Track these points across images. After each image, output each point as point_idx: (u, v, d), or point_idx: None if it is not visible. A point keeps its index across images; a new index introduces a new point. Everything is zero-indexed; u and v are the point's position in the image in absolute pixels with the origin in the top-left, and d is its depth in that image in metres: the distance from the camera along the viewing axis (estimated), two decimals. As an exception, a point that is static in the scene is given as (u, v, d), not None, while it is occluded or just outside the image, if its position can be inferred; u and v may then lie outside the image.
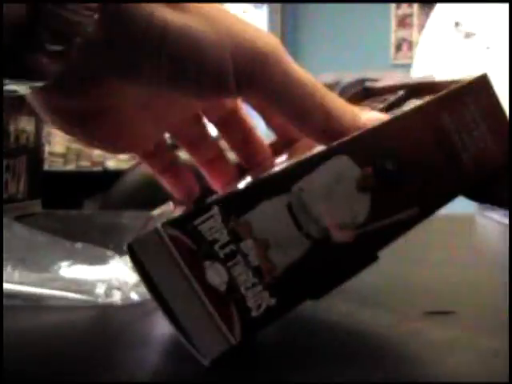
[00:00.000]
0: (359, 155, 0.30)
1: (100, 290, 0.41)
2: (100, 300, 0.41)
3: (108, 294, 0.41)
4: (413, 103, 0.36)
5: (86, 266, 0.44)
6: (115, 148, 0.36)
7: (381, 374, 0.30)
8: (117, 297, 0.41)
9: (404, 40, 4.69)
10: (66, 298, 0.41)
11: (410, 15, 4.64)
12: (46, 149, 2.43)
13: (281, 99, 0.31)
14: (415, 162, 0.31)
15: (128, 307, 0.41)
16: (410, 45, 4.71)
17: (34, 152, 0.86)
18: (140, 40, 0.28)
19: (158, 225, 0.29)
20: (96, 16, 0.27)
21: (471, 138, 0.32)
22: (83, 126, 0.33)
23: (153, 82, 0.30)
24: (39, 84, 0.28)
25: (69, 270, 0.44)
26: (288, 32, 4.62)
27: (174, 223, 0.29)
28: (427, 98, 0.33)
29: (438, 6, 1.08)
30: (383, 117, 0.32)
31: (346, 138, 0.31)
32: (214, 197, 0.32)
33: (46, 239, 0.49)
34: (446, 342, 0.34)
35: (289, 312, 0.30)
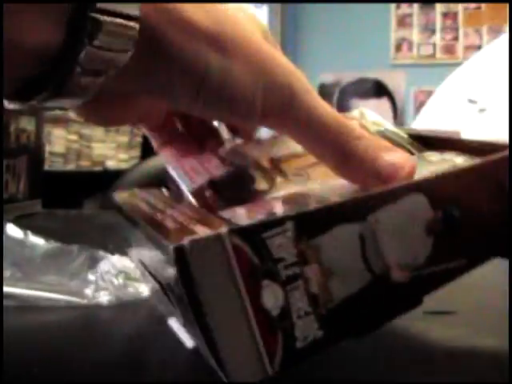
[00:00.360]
0: (435, 197, 0.30)
1: (88, 290, 0.42)
2: (87, 301, 0.41)
3: (96, 294, 0.42)
4: (439, 156, 0.36)
5: (76, 266, 0.45)
6: (119, 122, 0.37)
7: (380, 374, 0.30)
8: (104, 298, 0.41)
9: (404, 40, 4.69)
10: (54, 299, 0.41)
11: (410, 15, 4.64)
12: (46, 148, 2.43)
13: (304, 135, 0.31)
14: (475, 212, 0.31)
15: (115, 308, 0.41)
16: (410, 45, 4.71)
17: (35, 152, 0.86)
18: (181, 76, 0.29)
19: (223, 230, 0.26)
20: (130, 53, 0.27)
21: None
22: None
23: (187, 108, 0.31)
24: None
25: (58, 271, 0.44)
26: (288, 32, 4.62)
27: (241, 232, 0.26)
28: (492, 156, 0.32)
29: (451, 80, 1.09)
30: (410, 157, 0.32)
31: (426, 177, 0.30)
32: (285, 210, 0.30)
33: (39, 240, 0.49)
34: (446, 341, 0.34)
35: (331, 347, 0.28)
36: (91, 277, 0.43)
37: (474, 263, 0.31)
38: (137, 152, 3.02)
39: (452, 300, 0.44)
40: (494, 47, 1.01)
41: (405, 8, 4.60)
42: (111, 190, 1.20)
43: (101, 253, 0.46)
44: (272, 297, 0.26)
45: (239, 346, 0.26)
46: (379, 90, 4.49)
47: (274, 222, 0.26)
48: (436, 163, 0.36)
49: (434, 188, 0.30)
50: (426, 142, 0.39)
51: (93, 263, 0.44)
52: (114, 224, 0.39)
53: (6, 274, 0.43)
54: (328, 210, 0.28)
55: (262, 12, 4.92)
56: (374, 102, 4.53)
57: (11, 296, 0.41)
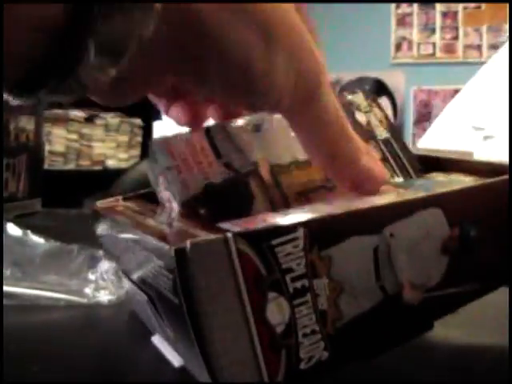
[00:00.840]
0: (452, 213, 0.28)
1: (88, 290, 0.42)
2: (87, 300, 0.41)
3: (95, 294, 0.42)
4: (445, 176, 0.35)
5: (76, 266, 0.45)
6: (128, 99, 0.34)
7: (380, 373, 0.30)
8: (104, 297, 0.41)
9: (404, 39, 4.69)
10: (54, 298, 0.41)
11: (410, 14, 4.64)
12: (46, 148, 2.43)
13: (309, 127, 0.30)
14: (492, 234, 0.29)
15: (115, 307, 0.41)
16: (410, 44, 4.70)
17: (34, 151, 0.86)
18: (220, 63, 0.26)
19: (229, 234, 0.23)
20: (152, 26, 0.23)
21: None
22: None
23: (212, 87, 0.28)
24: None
25: (58, 270, 0.44)
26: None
27: (248, 236, 0.23)
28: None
29: (454, 105, 1.08)
30: (381, 167, 0.31)
31: (445, 191, 0.29)
32: (296, 216, 0.27)
33: (39, 240, 0.49)
34: (446, 341, 0.34)
35: (336, 369, 0.26)
36: (91, 276, 0.43)
37: (486, 289, 0.30)
38: (137, 151, 3.02)
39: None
40: (494, 65, 1.00)
41: (405, 7, 4.60)
42: (111, 190, 1.20)
43: (101, 252, 0.46)
44: (278, 311, 0.24)
45: (237, 364, 0.24)
46: (379, 89, 4.48)
47: (284, 229, 0.24)
48: (446, 184, 0.34)
49: (453, 203, 0.28)
50: (430, 163, 0.38)
51: (93, 263, 0.44)
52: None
53: (6, 273, 0.43)
54: (343, 218, 0.26)
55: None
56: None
57: (11, 295, 0.41)
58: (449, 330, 0.36)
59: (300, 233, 0.24)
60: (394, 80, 4.68)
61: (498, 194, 0.30)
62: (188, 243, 0.22)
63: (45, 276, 0.43)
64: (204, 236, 0.23)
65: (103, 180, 1.58)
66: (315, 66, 0.29)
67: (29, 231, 0.50)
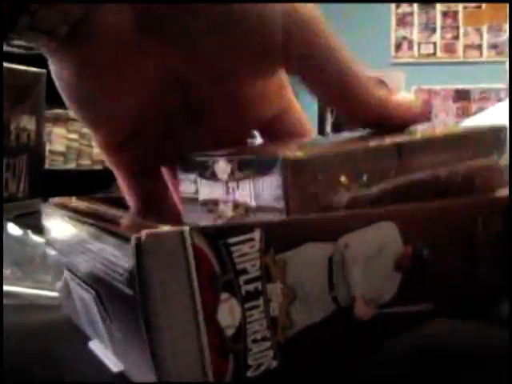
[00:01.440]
0: (407, 230, 0.27)
1: None
2: None
3: None
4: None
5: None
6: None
7: (380, 373, 0.30)
8: None
9: (404, 39, 4.69)
10: (55, 298, 0.41)
11: (410, 14, 4.64)
12: (47, 147, 2.43)
13: (319, 71, 0.31)
14: (445, 258, 0.29)
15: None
16: (410, 43, 4.71)
17: (35, 151, 0.86)
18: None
19: (186, 228, 0.23)
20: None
21: (494, 252, 0.30)
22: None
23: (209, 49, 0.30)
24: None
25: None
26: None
27: (205, 232, 0.23)
28: (465, 199, 0.30)
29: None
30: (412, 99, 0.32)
31: (402, 207, 0.28)
32: (253, 218, 0.27)
33: (39, 239, 0.49)
34: (446, 341, 0.35)
35: (284, 380, 0.25)
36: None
37: (441, 311, 0.29)
38: (137, 151, 3.02)
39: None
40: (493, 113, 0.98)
41: (405, 7, 4.60)
42: (111, 189, 1.20)
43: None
44: (229, 314, 0.23)
45: (184, 365, 0.23)
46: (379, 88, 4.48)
47: (241, 227, 0.24)
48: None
49: (408, 221, 0.28)
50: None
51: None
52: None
53: (7, 272, 0.43)
54: (300, 223, 0.25)
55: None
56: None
57: (11, 294, 0.41)
58: (449, 330, 0.36)
59: (257, 233, 0.24)
60: (395, 80, 4.68)
61: (457, 215, 0.29)
62: (144, 233, 0.22)
63: (45, 276, 0.43)
64: (162, 228, 0.23)
65: (103, 180, 1.58)
66: (311, 8, 0.31)
67: (29, 231, 0.50)
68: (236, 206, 0.28)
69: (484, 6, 4.54)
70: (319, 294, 0.25)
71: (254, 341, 0.24)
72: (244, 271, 0.23)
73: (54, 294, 0.42)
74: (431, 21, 4.70)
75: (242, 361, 0.24)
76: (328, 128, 5.00)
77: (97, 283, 0.27)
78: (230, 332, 0.23)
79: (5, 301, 0.41)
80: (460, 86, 4.64)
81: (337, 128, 5.02)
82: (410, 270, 0.27)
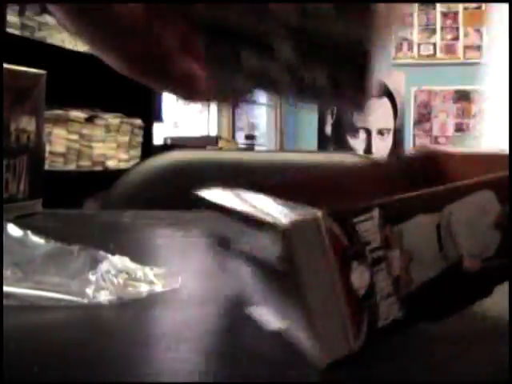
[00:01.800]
0: (502, 193, 0.32)
1: (89, 290, 0.42)
2: (88, 300, 0.41)
3: (96, 294, 0.42)
4: None
5: (77, 266, 0.45)
6: None
7: (380, 373, 0.30)
8: (105, 297, 0.41)
9: (404, 39, 4.69)
10: (55, 299, 0.41)
11: (410, 14, 4.64)
12: (47, 148, 2.43)
13: None
14: None
15: (116, 307, 0.41)
16: (410, 44, 4.71)
17: (35, 152, 0.86)
18: None
19: (319, 214, 0.28)
20: None
21: None
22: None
23: None
24: None
25: (58, 271, 0.44)
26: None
27: (334, 216, 0.29)
28: None
29: None
30: None
31: (495, 176, 0.33)
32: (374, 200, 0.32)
33: (39, 240, 0.49)
34: (446, 341, 0.34)
35: (406, 329, 0.31)
36: (92, 277, 0.43)
37: None
38: (137, 152, 3.02)
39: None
40: None
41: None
42: (111, 190, 1.21)
43: (101, 253, 0.46)
44: (360, 278, 0.29)
45: (330, 323, 0.29)
46: (379, 89, 4.49)
47: (363, 209, 0.29)
48: None
49: (501, 186, 0.33)
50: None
51: (93, 263, 0.44)
52: (114, 224, 0.39)
53: (6, 273, 0.43)
54: (409, 200, 0.31)
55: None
56: (374, 102, 4.53)
57: (11, 295, 0.41)
58: (448, 330, 0.36)
59: (375, 212, 0.29)
60: (395, 80, 4.68)
61: None
62: (288, 222, 0.28)
63: (45, 277, 0.43)
64: (300, 216, 0.29)
65: (103, 181, 1.58)
66: None
67: (29, 232, 0.50)
68: None
69: (484, 6, 4.54)
70: (431, 255, 0.31)
71: (382, 297, 0.30)
72: (368, 243, 0.29)
73: (55, 295, 0.42)
74: (431, 21, 4.70)
75: (373, 314, 0.29)
76: (328, 129, 5.00)
77: (253, 261, 0.34)
78: (361, 292, 0.29)
79: (5, 302, 0.41)
80: (460, 87, 4.64)
81: (337, 129, 5.02)
82: (507, 228, 0.33)
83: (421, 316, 0.31)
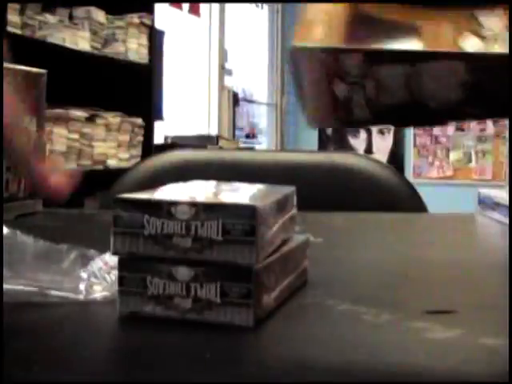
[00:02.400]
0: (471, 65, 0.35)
1: (82, 287, 0.42)
2: (81, 297, 0.42)
3: (90, 291, 0.42)
4: None
5: (68, 265, 0.45)
6: None
7: (380, 373, 0.30)
8: (99, 294, 0.42)
9: (405, 39, 4.69)
10: (50, 296, 0.42)
11: (411, 14, 4.64)
12: (47, 147, 2.43)
13: None
14: None
15: (108, 303, 0.41)
16: (411, 44, 4.70)
17: (36, 151, 0.86)
18: None
19: None
20: None
21: None
22: None
23: None
24: None
25: (50, 269, 0.44)
26: (288, 32, 4.62)
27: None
28: None
29: None
30: None
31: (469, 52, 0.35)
32: None
33: (28, 240, 0.49)
34: (446, 341, 0.34)
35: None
36: (83, 274, 0.43)
37: None
38: (137, 151, 3.02)
39: (452, 300, 0.44)
40: None
41: (406, 7, 4.60)
42: (112, 189, 1.21)
43: (92, 251, 0.47)
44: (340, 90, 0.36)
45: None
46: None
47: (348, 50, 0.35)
48: None
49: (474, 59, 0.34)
50: None
51: (84, 261, 0.45)
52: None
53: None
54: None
55: (262, 12, 4.91)
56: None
57: (4, 293, 0.41)
58: (448, 330, 0.36)
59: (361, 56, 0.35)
60: (395, 80, 4.67)
61: None
62: None
63: (37, 275, 0.43)
64: None
65: (104, 180, 1.58)
66: None
67: (18, 231, 0.49)
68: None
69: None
70: (397, 89, 0.35)
71: (355, 106, 0.36)
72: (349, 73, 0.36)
73: (49, 292, 0.42)
74: (432, 21, 4.70)
75: (348, 114, 0.37)
76: (329, 129, 5.00)
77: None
78: (341, 98, 0.36)
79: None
80: (461, 87, 4.63)
81: (337, 130, 5.01)
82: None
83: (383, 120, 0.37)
